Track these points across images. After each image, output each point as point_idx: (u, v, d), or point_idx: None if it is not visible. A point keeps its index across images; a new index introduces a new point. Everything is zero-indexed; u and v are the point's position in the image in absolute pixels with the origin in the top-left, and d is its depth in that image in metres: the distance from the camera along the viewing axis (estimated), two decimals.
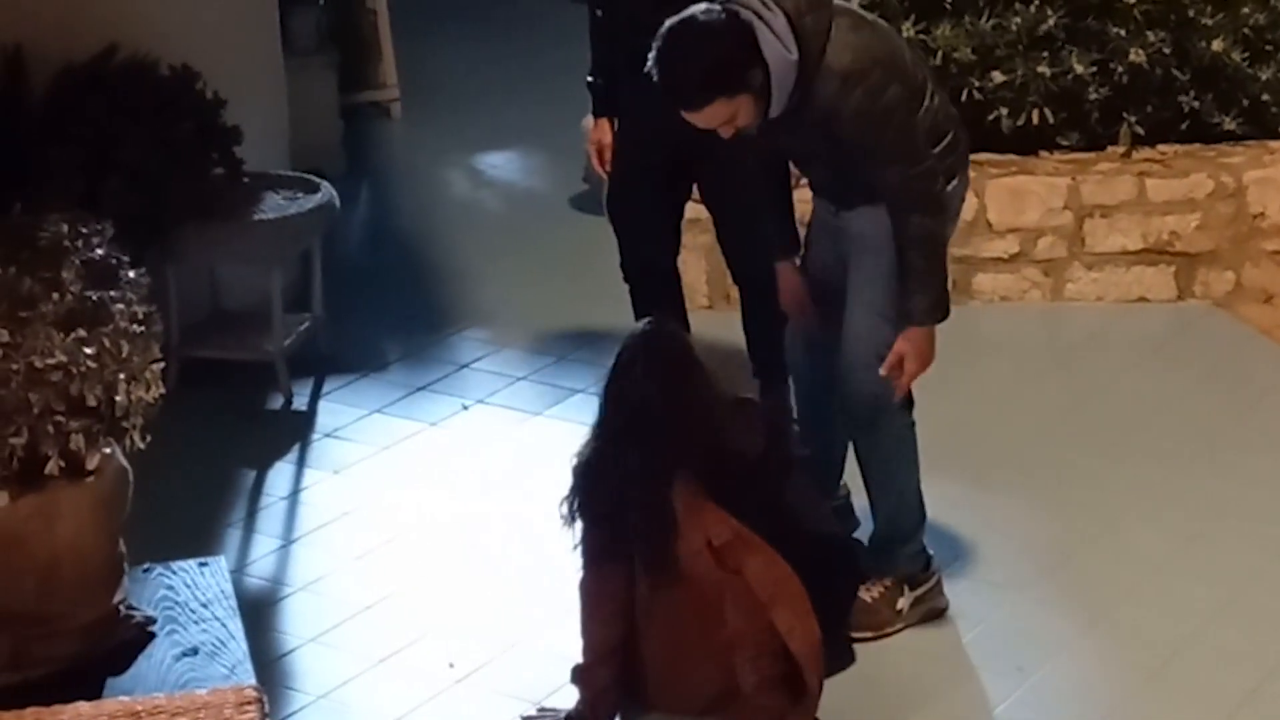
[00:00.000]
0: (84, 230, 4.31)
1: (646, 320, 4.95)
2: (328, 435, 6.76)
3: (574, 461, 4.90)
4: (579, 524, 4.88)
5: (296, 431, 6.81)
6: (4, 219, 4.28)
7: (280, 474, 6.50)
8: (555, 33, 11.18)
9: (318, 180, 7.20)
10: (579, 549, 4.90)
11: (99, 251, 4.28)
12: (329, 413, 6.95)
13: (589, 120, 8.34)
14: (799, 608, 4.77)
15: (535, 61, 10.81)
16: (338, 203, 7.18)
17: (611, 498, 4.81)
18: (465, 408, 6.94)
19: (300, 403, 7.02)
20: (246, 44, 7.41)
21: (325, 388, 7.13)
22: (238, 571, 5.72)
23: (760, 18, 4.97)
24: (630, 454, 4.76)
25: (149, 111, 6.60)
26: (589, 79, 6.40)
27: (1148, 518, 6.06)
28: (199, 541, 5.85)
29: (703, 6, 5.04)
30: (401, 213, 9.02)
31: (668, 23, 5.00)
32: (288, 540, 6.03)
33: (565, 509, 4.86)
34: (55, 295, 4.13)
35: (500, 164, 9.72)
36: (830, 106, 5.00)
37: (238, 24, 7.34)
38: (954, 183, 5.31)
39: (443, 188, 9.40)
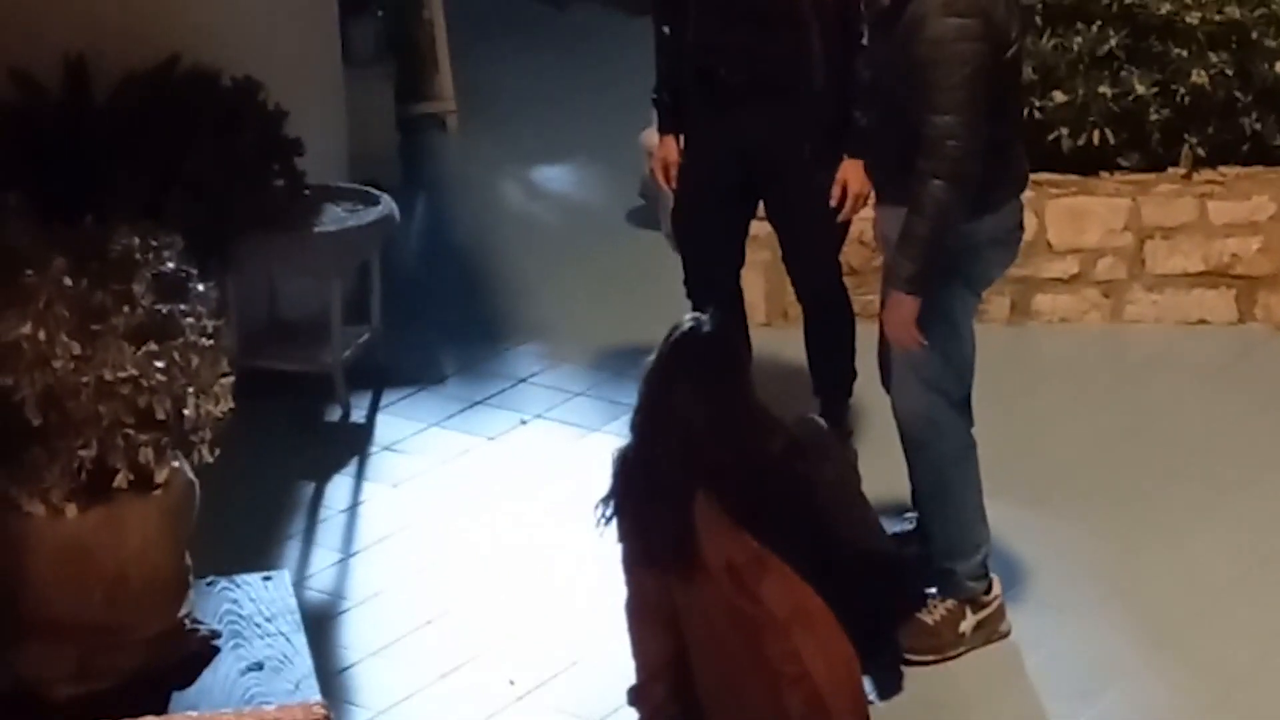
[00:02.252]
0: (154, 243, 4.29)
1: (693, 316, 4.87)
2: (386, 448, 6.75)
3: (613, 456, 4.85)
4: (615, 524, 4.82)
5: (354, 444, 6.81)
6: (75, 230, 4.26)
7: (339, 487, 6.49)
8: (612, 45, 11.19)
9: (378, 193, 7.19)
10: (620, 556, 4.85)
11: (169, 264, 4.26)
12: (387, 426, 6.95)
13: (647, 135, 8.36)
14: (820, 629, 4.68)
15: (592, 74, 10.77)
16: (397, 215, 7.18)
17: (641, 500, 4.76)
18: (523, 422, 6.92)
19: (358, 415, 7.02)
20: (307, 55, 7.41)
21: (383, 400, 7.14)
22: (298, 584, 5.72)
23: None
24: (659, 458, 4.69)
25: (211, 123, 6.61)
26: (654, 95, 6.38)
27: (1211, 542, 6.02)
28: (259, 554, 5.85)
29: None
30: (458, 225, 9.00)
31: None
32: (347, 554, 6.03)
33: (601, 510, 4.82)
34: (126, 308, 4.11)
35: (556, 177, 9.71)
36: (920, 18, 5.05)
37: (299, 34, 7.34)
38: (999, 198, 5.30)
39: (499, 200, 9.37)
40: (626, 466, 4.78)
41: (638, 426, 4.77)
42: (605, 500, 4.80)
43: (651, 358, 4.79)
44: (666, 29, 6.26)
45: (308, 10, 7.47)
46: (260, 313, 7.22)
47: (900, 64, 5.19)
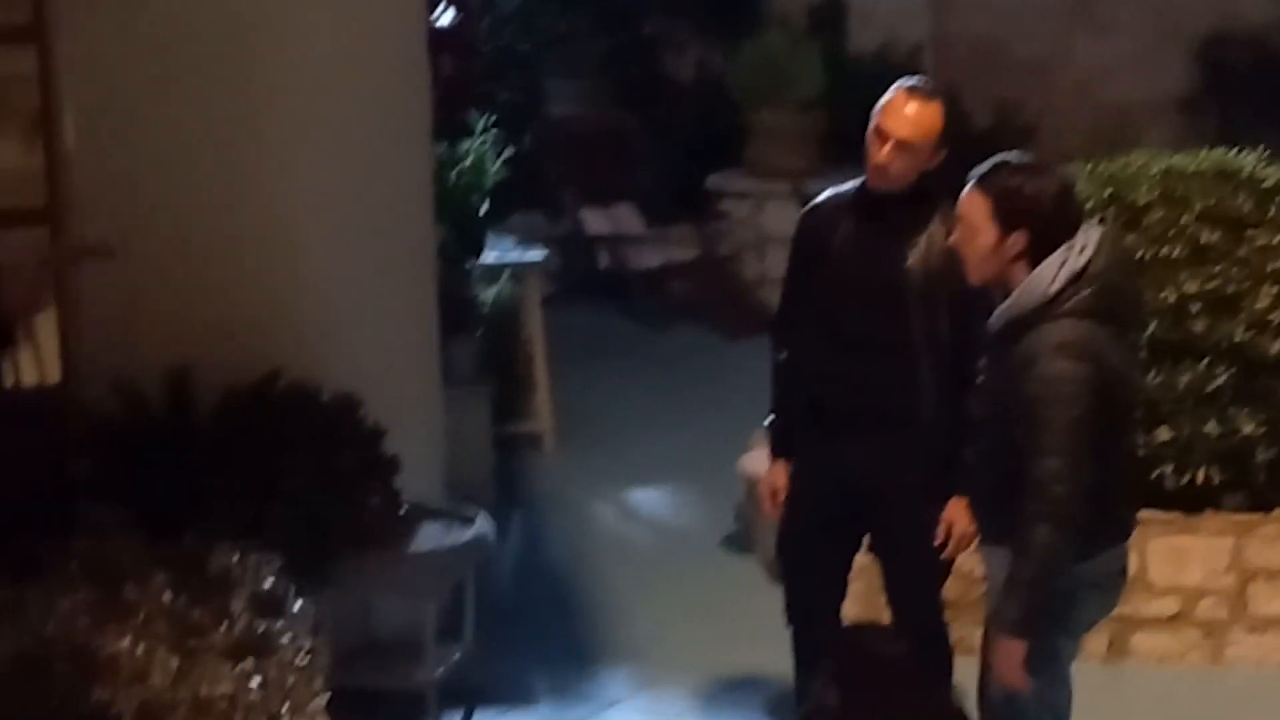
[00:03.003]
0: (253, 560, 4.30)
1: None
2: None
3: None
4: None
5: None
6: (175, 547, 4.28)
7: None
8: (711, 368, 11.34)
9: (473, 512, 7.18)
10: None
11: (267, 582, 4.26)
12: None
13: (745, 460, 8.36)
14: None
15: (688, 398, 10.86)
16: (493, 536, 7.16)
17: None
18: None
19: None
20: (407, 373, 7.47)
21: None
22: None
23: (1073, 246, 5.09)
24: None
25: (311, 439, 6.62)
26: (768, 419, 6.35)
27: None
28: None
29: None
30: (552, 546, 8.98)
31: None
32: None
33: None
34: (224, 625, 4.11)
35: (651, 499, 9.69)
36: (1032, 356, 5.03)
37: (400, 353, 7.40)
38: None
39: (594, 521, 9.37)
40: None
41: None
42: None
43: None
44: (782, 355, 6.26)
45: (409, 329, 7.55)
46: (354, 630, 7.16)
47: (1009, 399, 5.17)
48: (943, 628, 6.30)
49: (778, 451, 6.31)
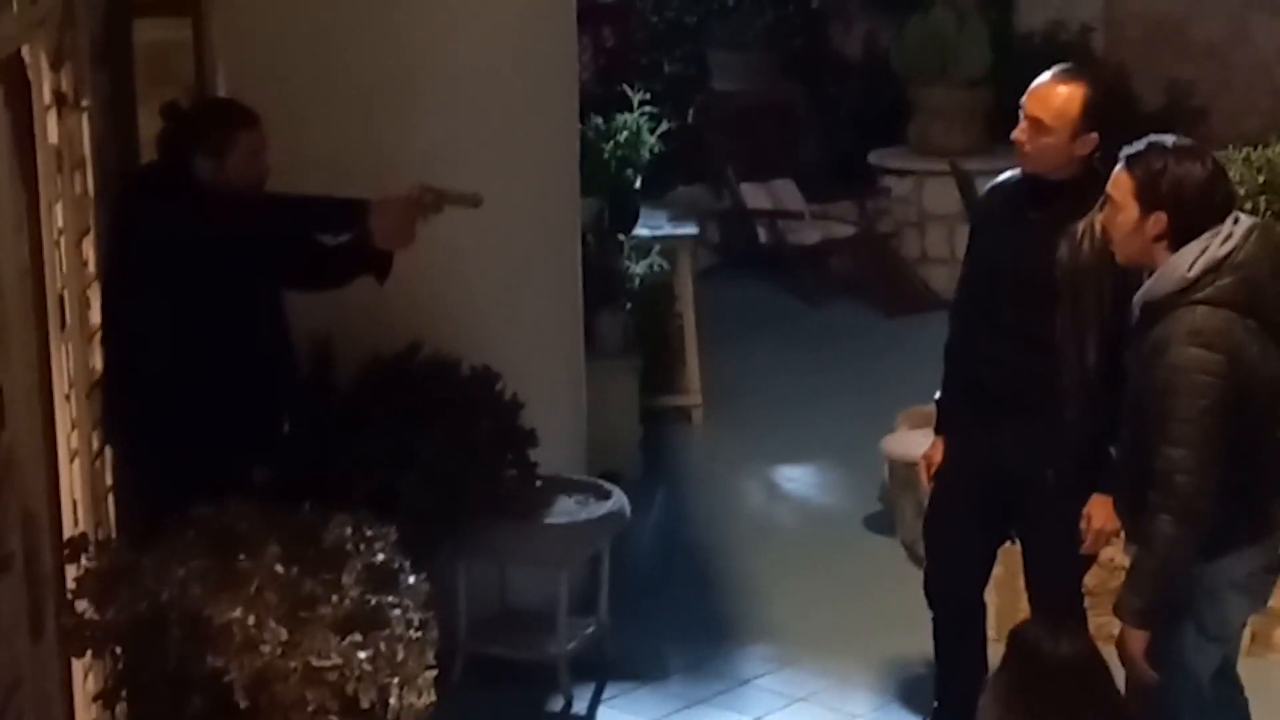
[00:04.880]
0: (368, 533, 4.36)
1: None
2: None
3: None
4: None
5: None
6: (290, 518, 4.35)
7: None
8: (866, 346, 11.28)
9: (609, 486, 7.23)
10: None
11: (380, 556, 4.32)
12: (607, 719, 6.89)
13: (888, 440, 8.34)
14: None
15: (841, 375, 10.82)
16: (629, 510, 7.20)
17: None
18: None
19: (580, 707, 7.01)
20: (549, 347, 7.52)
21: (605, 694, 7.11)
22: None
23: (1218, 233, 5.08)
24: None
25: (449, 409, 6.70)
26: (937, 395, 6.34)
27: None
28: None
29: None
30: (695, 520, 8.99)
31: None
32: None
33: None
34: (335, 598, 4.17)
35: (797, 477, 9.68)
36: (1164, 341, 5.02)
37: (542, 327, 7.46)
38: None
39: (737, 498, 9.37)
40: None
41: None
42: None
43: None
44: (957, 331, 6.25)
45: (551, 304, 7.60)
46: (491, 599, 7.25)
47: (1141, 388, 5.12)
48: (1079, 620, 6.23)
49: (939, 428, 6.30)
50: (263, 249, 5.87)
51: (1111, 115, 5.96)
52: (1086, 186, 5.82)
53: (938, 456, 6.28)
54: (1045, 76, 5.88)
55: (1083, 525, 5.87)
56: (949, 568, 6.34)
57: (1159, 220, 5.14)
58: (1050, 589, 6.19)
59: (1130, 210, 5.17)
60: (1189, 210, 5.11)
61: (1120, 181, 5.21)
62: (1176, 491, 4.95)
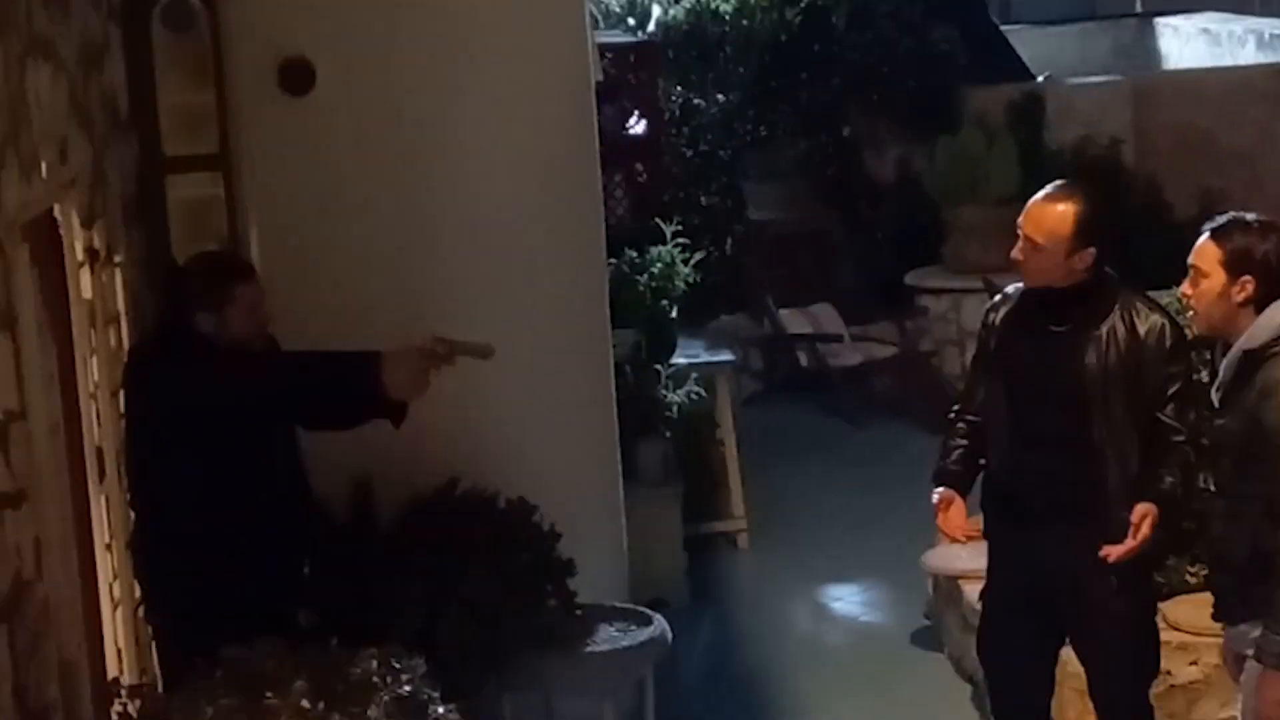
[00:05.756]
0: (395, 665, 4.43)
1: None
2: None
3: None
4: None
5: None
6: (318, 654, 4.43)
7: None
8: (907, 466, 11.24)
9: (650, 613, 7.30)
10: None
11: (407, 688, 4.39)
12: None
13: (930, 556, 8.36)
14: None
15: (885, 494, 10.84)
16: (670, 635, 7.25)
17: None
18: None
19: None
20: (585, 478, 7.62)
21: None
22: None
23: None
24: None
25: (487, 543, 6.80)
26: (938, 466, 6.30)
27: None
28: None
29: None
30: (742, 644, 9.03)
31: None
32: None
33: None
34: None
35: (843, 596, 9.72)
36: (1270, 386, 5.22)
37: (577, 458, 7.56)
38: None
39: (785, 620, 9.42)
40: None
41: None
42: None
43: None
44: (963, 429, 6.24)
45: (586, 435, 7.71)
46: None
47: (1250, 436, 5.25)
48: None
49: (938, 483, 6.21)
50: (272, 404, 5.97)
51: (1107, 228, 6.04)
52: (1100, 293, 5.93)
53: (948, 497, 6.14)
54: (1039, 196, 5.97)
55: (1132, 528, 5.83)
56: (1011, 685, 6.32)
57: (1246, 285, 5.36)
58: (1115, 700, 6.19)
59: (1217, 278, 5.39)
60: (1274, 274, 5.36)
61: (1206, 251, 5.43)
62: None
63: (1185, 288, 5.54)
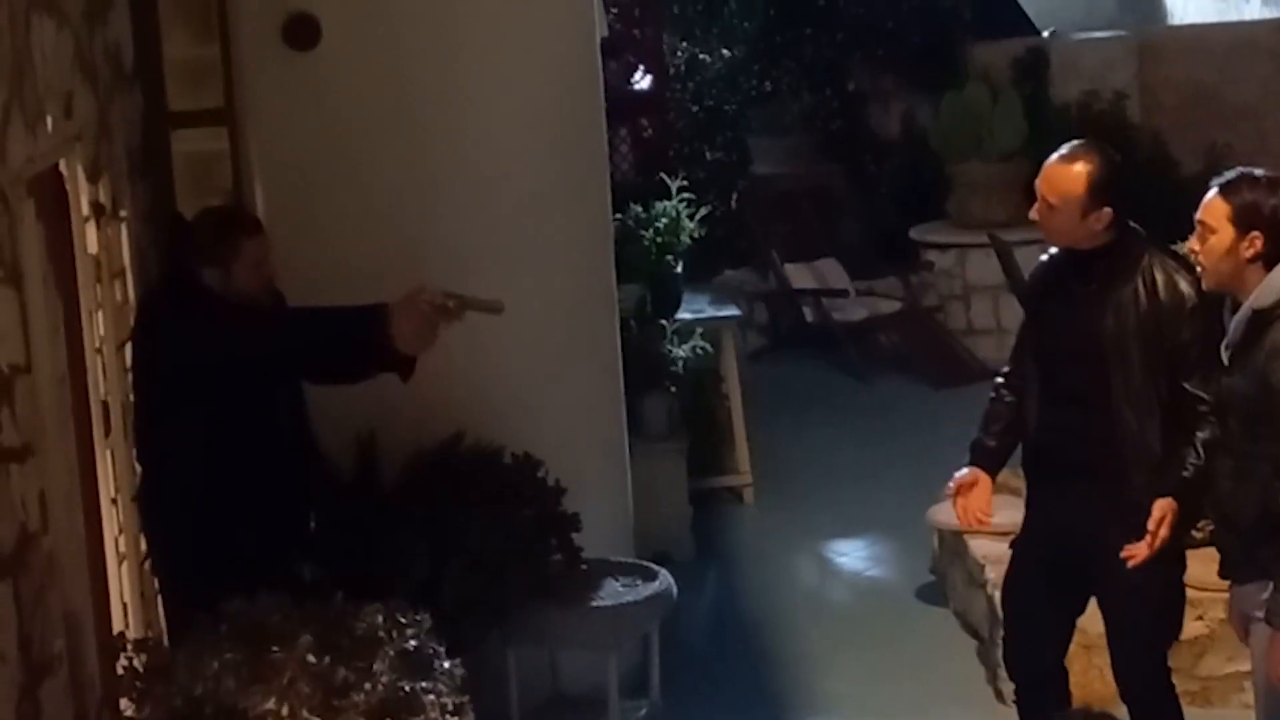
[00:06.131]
0: (401, 620, 4.44)
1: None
2: None
3: None
4: None
5: None
6: (323, 608, 4.44)
7: None
8: (915, 420, 11.34)
9: (656, 568, 7.31)
10: None
11: (413, 642, 4.40)
12: None
13: (933, 511, 8.38)
14: None
15: (890, 449, 10.90)
16: (675, 591, 7.26)
17: None
18: None
19: None
20: (591, 433, 7.62)
21: None
22: None
23: None
24: None
25: (491, 497, 6.80)
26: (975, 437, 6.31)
27: None
28: None
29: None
30: (747, 598, 9.06)
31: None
32: None
33: None
34: (368, 685, 4.25)
35: (848, 551, 9.74)
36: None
37: (583, 413, 7.56)
38: None
39: (789, 574, 9.44)
40: None
41: None
42: None
43: None
44: (1008, 396, 6.26)
45: (591, 390, 7.70)
46: (542, 685, 7.31)
47: (1260, 394, 5.24)
48: (1165, 696, 6.21)
49: (971, 458, 6.27)
50: (279, 356, 5.98)
51: (1123, 187, 6.03)
52: (1124, 253, 5.92)
53: (968, 479, 6.21)
54: (1054, 156, 5.96)
55: (1151, 526, 5.84)
56: (1025, 636, 6.34)
57: (1254, 241, 5.34)
58: (1130, 661, 6.18)
59: (1225, 234, 5.37)
60: None
61: (1214, 207, 5.41)
62: None
63: (1193, 243, 5.54)
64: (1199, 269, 5.59)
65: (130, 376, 6.04)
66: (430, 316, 5.85)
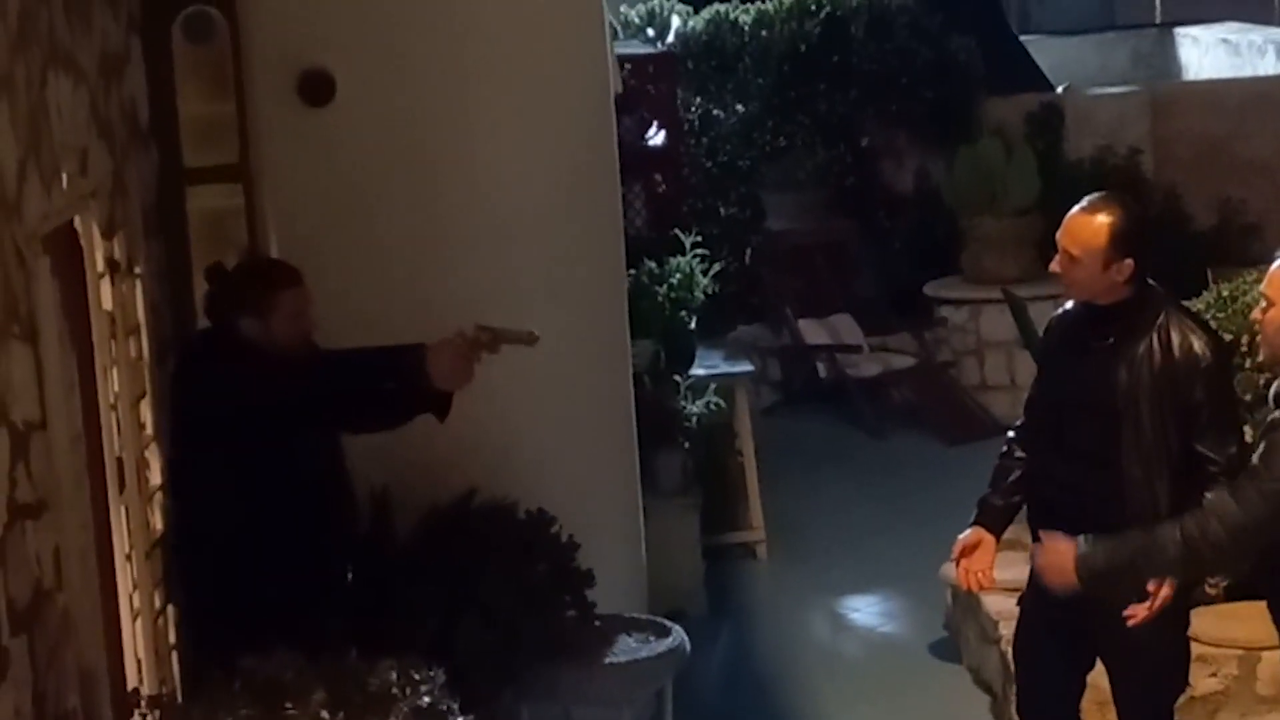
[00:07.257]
0: (414, 676, 4.44)
1: None
2: None
3: None
4: None
5: None
6: (337, 664, 4.44)
7: None
8: (926, 477, 11.32)
9: (669, 624, 7.30)
10: None
11: (426, 699, 4.40)
12: None
13: (947, 568, 8.34)
14: None
15: (903, 505, 10.87)
16: (688, 646, 7.26)
17: None
18: None
19: None
20: (604, 488, 7.64)
21: None
22: None
23: None
24: None
25: (505, 553, 6.80)
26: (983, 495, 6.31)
27: None
28: None
29: None
30: (760, 655, 9.04)
31: None
32: None
33: None
34: None
35: (862, 607, 9.72)
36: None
37: (596, 469, 7.58)
38: None
39: (803, 630, 9.42)
40: None
41: None
42: None
43: None
44: (1018, 452, 6.24)
45: (605, 446, 7.72)
46: None
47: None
48: None
49: (976, 518, 6.25)
50: (317, 406, 6.00)
51: (1146, 240, 6.03)
52: (1141, 308, 5.90)
53: (973, 540, 6.21)
54: (1076, 208, 5.95)
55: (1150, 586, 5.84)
56: (1038, 691, 6.32)
57: None
58: (1137, 714, 6.16)
59: None
60: None
61: (1277, 279, 5.35)
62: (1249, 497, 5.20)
63: (1255, 314, 5.50)
64: (1257, 339, 5.55)
65: (165, 415, 6.06)
66: (465, 351, 5.90)
